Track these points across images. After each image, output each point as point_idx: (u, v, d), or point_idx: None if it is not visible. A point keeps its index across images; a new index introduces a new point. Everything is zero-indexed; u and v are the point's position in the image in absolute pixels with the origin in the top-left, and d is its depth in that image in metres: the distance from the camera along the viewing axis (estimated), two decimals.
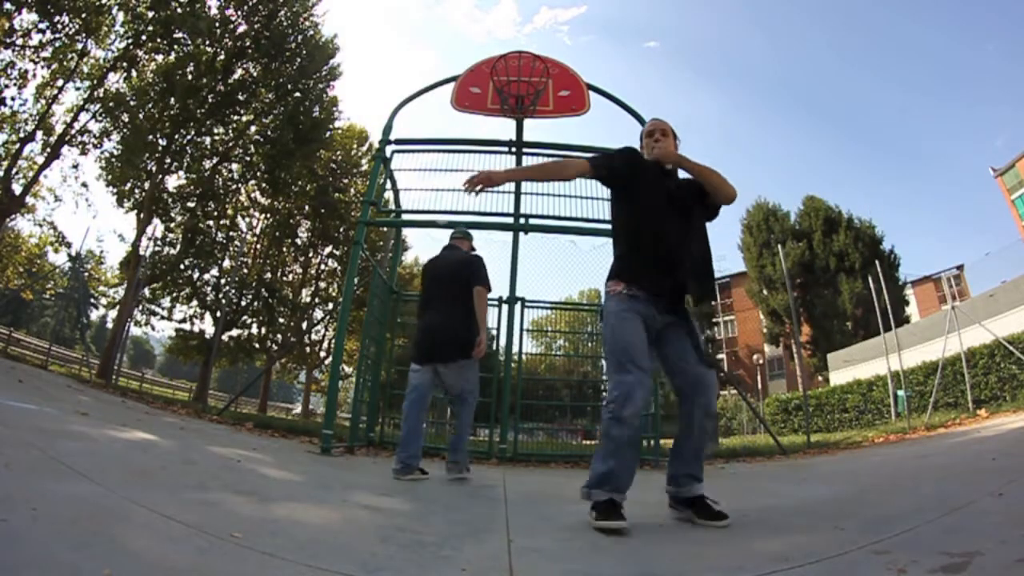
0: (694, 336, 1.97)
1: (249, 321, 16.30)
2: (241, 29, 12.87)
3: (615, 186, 2.15)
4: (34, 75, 11.37)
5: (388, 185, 5.79)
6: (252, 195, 16.58)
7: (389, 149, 5.50)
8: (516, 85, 5.40)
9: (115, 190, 12.90)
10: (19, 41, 10.77)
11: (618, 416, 1.83)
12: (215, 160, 13.95)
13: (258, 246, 16.94)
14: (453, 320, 3.16)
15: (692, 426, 1.92)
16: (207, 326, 15.26)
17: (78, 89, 11.96)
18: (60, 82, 11.63)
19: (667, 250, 1.96)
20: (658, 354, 2.01)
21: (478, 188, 1.99)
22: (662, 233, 1.97)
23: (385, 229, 8.93)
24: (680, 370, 1.95)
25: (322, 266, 18.71)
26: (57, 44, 11.09)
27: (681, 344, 1.96)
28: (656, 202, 2.01)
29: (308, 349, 18.64)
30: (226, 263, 15.51)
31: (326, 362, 18.93)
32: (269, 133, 13.94)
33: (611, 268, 2.08)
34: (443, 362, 3.18)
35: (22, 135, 11.67)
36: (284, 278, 18.20)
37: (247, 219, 17.09)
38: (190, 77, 12.14)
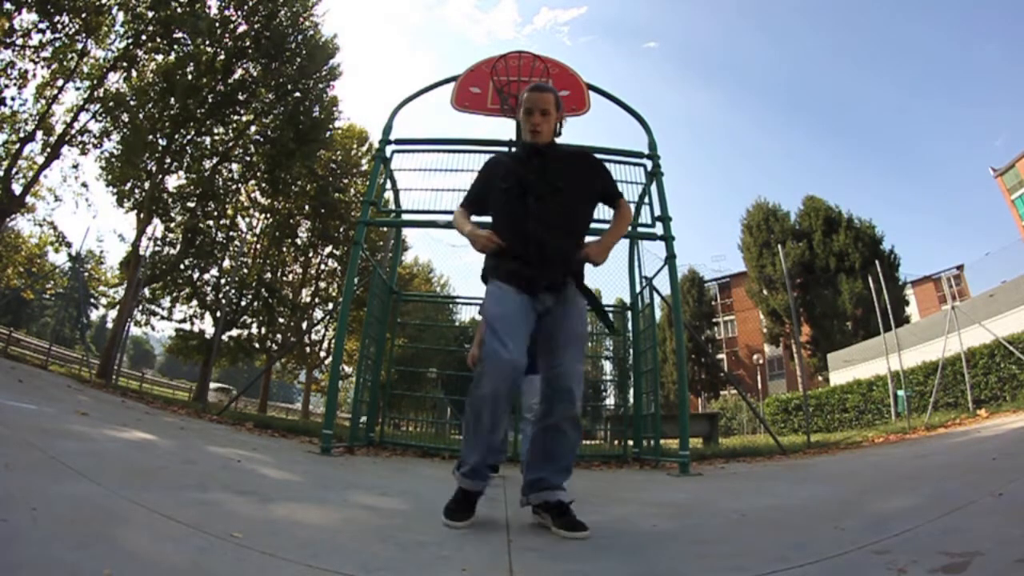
0: (570, 322, 1.83)
1: (249, 321, 16.31)
2: (241, 29, 12.87)
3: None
4: (34, 75, 11.39)
5: (388, 185, 5.78)
6: (252, 195, 16.58)
7: (389, 149, 5.50)
8: (516, 85, 5.40)
9: (115, 190, 12.90)
10: (19, 41, 10.77)
11: (470, 395, 1.79)
12: (215, 160, 13.95)
13: (258, 246, 16.94)
14: None
15: (546, 431, 1.83)
16: (207, 326, 15.28)
17: (78, 89, 11.99)
18: (60, 82, 11.63)
19: (523, 241, 1.84)
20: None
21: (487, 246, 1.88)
22: (518, 225, 1.86)
23: (385, 229, 8.94)
24: (542, 364, 1.86)
25: (322, 266, 18.72)
26: (57, 44, 11.09)
27: (544, 336, 1.85)
28: (510, 196, 1.92)
29: (308, 349, 18.64)
30: (226, 263, 15.52)
31: (326, 362, 18.94)
32: (269, 133, 13.95)
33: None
34: None
35: (22, 135, 11.68)
36: (284, 278, 18.20)
37: (247, 219, 17.09)
38: (190, 77, 12.14)
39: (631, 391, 5.89)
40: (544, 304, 1.86)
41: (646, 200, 5.32)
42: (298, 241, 17.91)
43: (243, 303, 15.68)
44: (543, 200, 1.89)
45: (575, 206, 1.96)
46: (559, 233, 1.88)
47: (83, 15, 10.76)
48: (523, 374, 1.79)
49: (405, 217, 5.91)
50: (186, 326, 15.22)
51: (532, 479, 1.85)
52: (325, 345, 18.93)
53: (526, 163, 1.98)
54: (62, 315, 19.95)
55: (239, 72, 13.10)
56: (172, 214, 13.84)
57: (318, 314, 18.23)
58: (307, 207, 17.23)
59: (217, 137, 13.84)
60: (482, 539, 1.62)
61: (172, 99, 12.03)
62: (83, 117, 11.89)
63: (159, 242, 13.79)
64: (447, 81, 5.67)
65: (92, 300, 18.43)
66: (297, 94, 14.09)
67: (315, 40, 14.29)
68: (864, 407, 12.60)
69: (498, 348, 1.73)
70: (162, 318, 14.85)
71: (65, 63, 11.43)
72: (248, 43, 12.88)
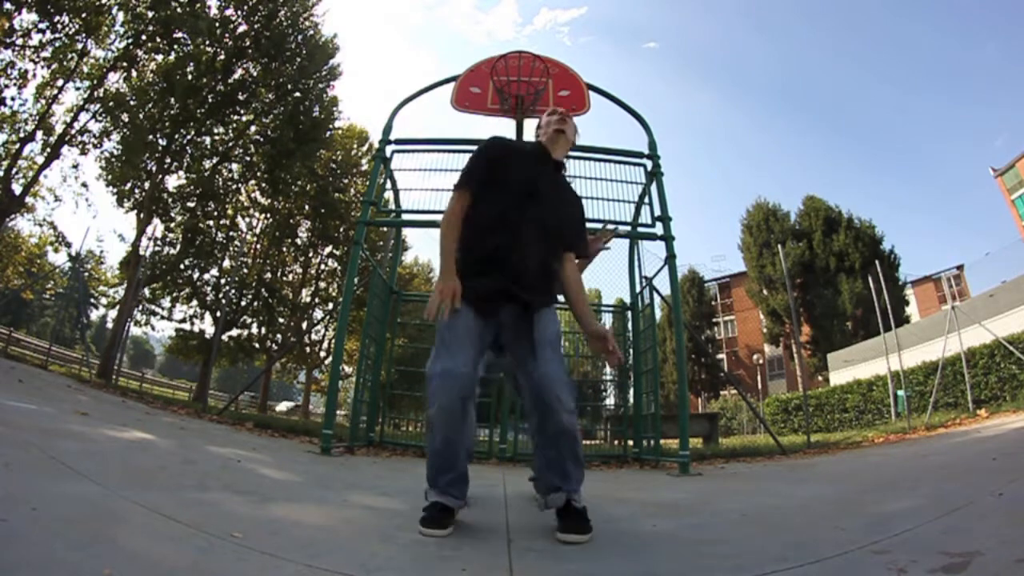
0: (543, 323, 1.75)
1: (249, 321, 16.31)
2: (241, 29, 12.86)
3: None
4: (34, 75, 11.37)
5: (388, 185, 5.78)
6: (252, 195, 16.58)
7: (389, 149, 5.50)
8: (516, 85, 5.40)
9: (115, 190, 12.89)
10: (19, 41, 10.76)
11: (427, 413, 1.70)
12: (215, 160, 13.94)
13: (258, 246, 16.94)
14: None
15: (545, 442, 1.71)
16: (207, 326, 15.28)
17: (78, 89, 11.97)
18: (60, 82, 11.62)
19: (501, 249, 1.76)
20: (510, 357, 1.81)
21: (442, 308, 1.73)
22: (501, 230, 1.77)
23: (385, 229, 8.94)
24: (520, 374, 1.75)
25: (322, 266, 18.72)
26: (57, 44, 11.08)
27: (515, 344, 1.76)
28: (513, 197, 1.82)
29: (308, 349, 18.63)
30: (226, 263, 15.52)
31: (326, 362, 18.93)
32: (269, 133, 13.95)
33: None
34: None
35: (22, 135, 11.67)
36: (284, 278, 18.20)
37: (247, 219, 17.09)
38: (190, 77, 12.14)
39: (631, 391, 5.89)
40: (509, 315, 1.77)
41: (646, 200, 5.32)
42: (298, 241, 17.91)
43: (243, 303, 15.68)
44: (544, 212, 1.83)
45: (560, 234, 1.90)
46: (545, 251, 1.82)
47: (83, 15, 10.75)
48: (474, 387, 1.68)
49: (405, 217, 5.91)
50: (186, 326, 15.24)
51: (544, 484, 1.78)
52: (325, 345, 18.93)
53: (539, 167, 1.92)
54: (62, 315, 19.98)
55: (239, 72, 13.10)
56: (172, 214, 13.84)
57: (318, 314, 18.23)
58: (307, 207, 17.24)
59: (217, 137, 13.84)
60: (482, 539, 1.62)
61: (172, 99, 12.02)
62: (83, 117, 11.89)
63: (159, 242, 13.80)
64: (447, 81, 5.67)
65: (92, 300, 18.44)
66: (297, 94, 14.10)
67: (315, 40, 14.29)
68: (864, 407, 12.60)
69: (445, 362, 1.65)
70: (162, 318, 14.88)
71: (65, 63, 11.42)
72: (248, 43, 12.88)
